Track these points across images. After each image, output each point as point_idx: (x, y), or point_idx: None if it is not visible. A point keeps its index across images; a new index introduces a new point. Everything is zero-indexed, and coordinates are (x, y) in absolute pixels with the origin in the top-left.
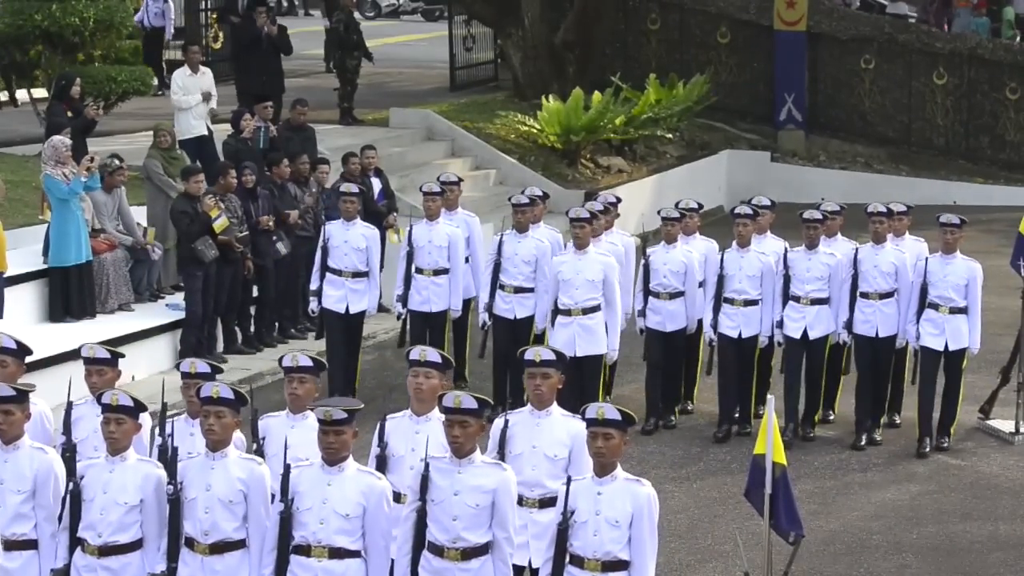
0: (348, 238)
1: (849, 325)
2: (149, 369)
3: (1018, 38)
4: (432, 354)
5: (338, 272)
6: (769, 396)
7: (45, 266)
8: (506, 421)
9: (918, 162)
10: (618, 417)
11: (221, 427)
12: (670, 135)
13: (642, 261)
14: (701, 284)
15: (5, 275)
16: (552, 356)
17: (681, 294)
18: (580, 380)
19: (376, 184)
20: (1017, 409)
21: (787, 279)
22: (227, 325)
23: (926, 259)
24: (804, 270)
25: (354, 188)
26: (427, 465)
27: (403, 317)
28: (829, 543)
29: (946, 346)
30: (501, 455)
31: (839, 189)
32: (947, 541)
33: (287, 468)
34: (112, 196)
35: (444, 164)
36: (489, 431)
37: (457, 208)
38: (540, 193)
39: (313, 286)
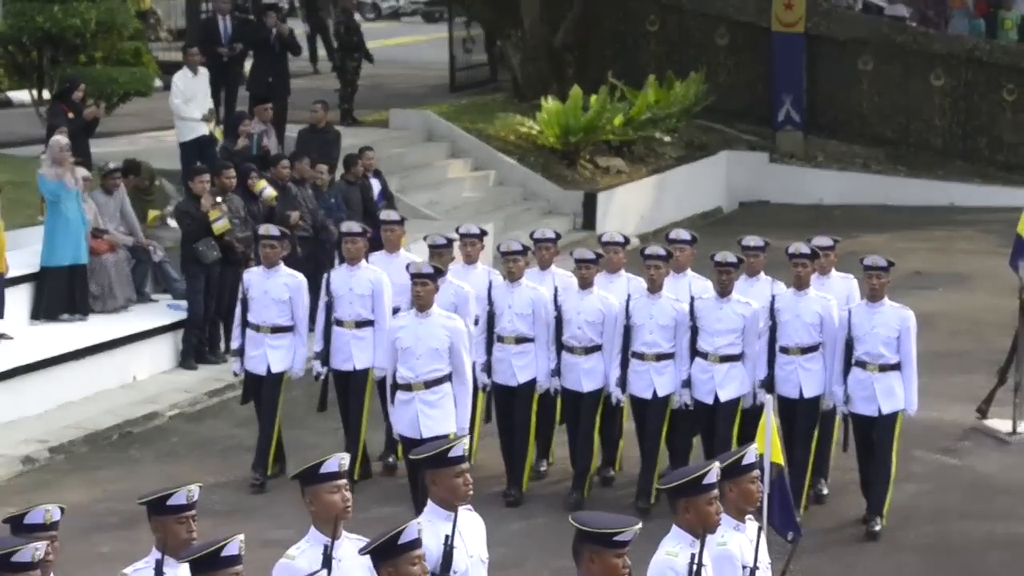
0: (268, 288)
1: (769, 384)
2: (150, 370)
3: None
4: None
5: (256, 327)
6: (768, 396)
7: None
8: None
9: (916, 163)
10: None
11: None
12: (668, 136)
13: (552, 312)
14: None
15: (5, 276)
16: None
17: (598, 348)
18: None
19: (375, 185)
20: (1014, 409)
21: (695, 331)
22: (228, 326)
23: (849, 310)
24: (714, 321)
25: (274, 231)
26: None
27: (323, 377)
28: (826, 543)
29: (879, 410)
30: None
31: (837, 190)
32: (944, 541)
33: None
34: (114, 198)
35: (444, 165)
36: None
37: (399, 250)
38: (477, 231)
39: (234, 344)
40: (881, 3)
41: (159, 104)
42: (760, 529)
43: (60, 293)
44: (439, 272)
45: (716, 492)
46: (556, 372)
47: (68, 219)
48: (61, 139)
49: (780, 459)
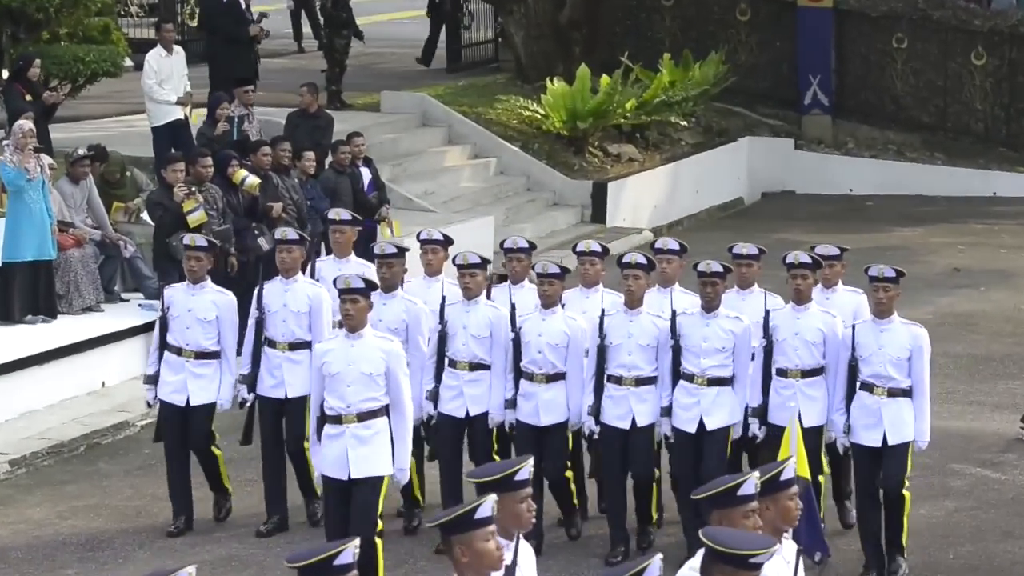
0: (193, 306)
1: (763, 412)
2: (121, 375)
3: None
4: None
5: (177, 351)
6: (792, 403)
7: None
8: None
9: (955, 150)
10: None
11: None
12: (685, 121)
13: (511, 333)
14: None
15: None
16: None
17: (561, 376)
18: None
19: (366, 174)
20: None
21: (677, 351)
22: None
23: (853, 327)
24: (700, 340)
25: (200, 241)
26: None
27: (250, 405)
28: (859, 563)
29: (884, 440)
30: None
31: (868, 180)
32: (986, 561)
33: None
34: (80, 188)
35: (441, 152)
36: None
37: (350, 255)
38: (439, 237)
39: (150, 370)
40: None
41: (129, 85)
42: (798, 552)
43: (23, 292)
44: (372, 286)
45: (754, 505)
46: (512, 404)
47: (32, 211)
48: (25, 123)
49: (806, 472)
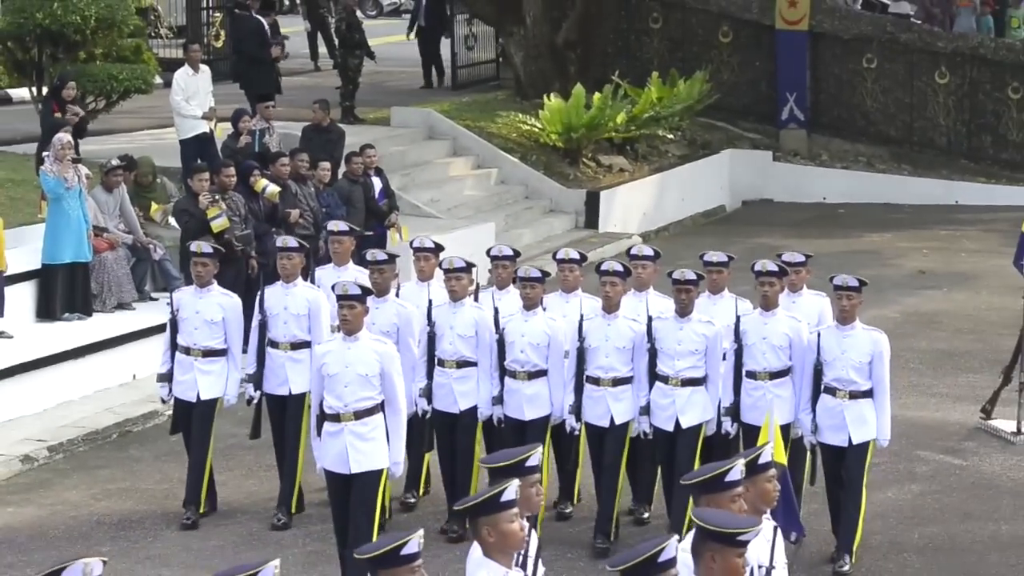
0: (200, 308)
1: (735, 411)
2: (151, 368)
3: None
4: None
5: (186, 350)
6: (766, 399)
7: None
8: None
9: (920, 161)
10: None
11: None
12: (671, 134)
13: (495, 334)
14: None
15: (5, 274)
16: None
17: (542, 373)
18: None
19: (377, 183)
20: (1019, 409)
21: (653, 353)
22: None
23: (818, 333)
24: (674, 343)
25: (207, 248)
26: None
27: (256, 402)
28: (830, 543)
29: (849, 440)
30: None
31: (841, 189)
32: (948, 541)
33: None
34: (114, 195)
35: (446, 163)
36: None
37: (348, 264)
38: (431, 244)
39: (162, 369)
40: (886, 0)
41: (159, 101)
42: (776, 528)
43: (62, 291)
44: (368, 292)
45: (739, 490)
46: (499, 400)
47: (69, 217)
48: (64, 137)
49: (783, 458)
